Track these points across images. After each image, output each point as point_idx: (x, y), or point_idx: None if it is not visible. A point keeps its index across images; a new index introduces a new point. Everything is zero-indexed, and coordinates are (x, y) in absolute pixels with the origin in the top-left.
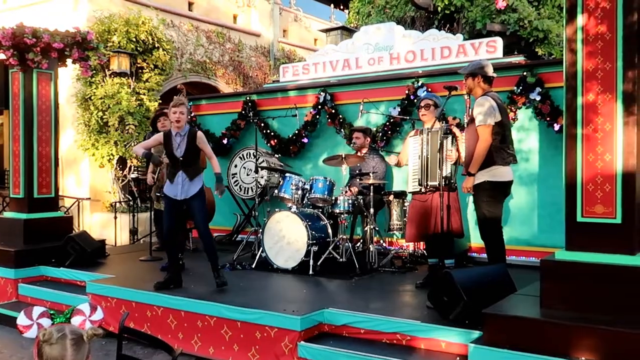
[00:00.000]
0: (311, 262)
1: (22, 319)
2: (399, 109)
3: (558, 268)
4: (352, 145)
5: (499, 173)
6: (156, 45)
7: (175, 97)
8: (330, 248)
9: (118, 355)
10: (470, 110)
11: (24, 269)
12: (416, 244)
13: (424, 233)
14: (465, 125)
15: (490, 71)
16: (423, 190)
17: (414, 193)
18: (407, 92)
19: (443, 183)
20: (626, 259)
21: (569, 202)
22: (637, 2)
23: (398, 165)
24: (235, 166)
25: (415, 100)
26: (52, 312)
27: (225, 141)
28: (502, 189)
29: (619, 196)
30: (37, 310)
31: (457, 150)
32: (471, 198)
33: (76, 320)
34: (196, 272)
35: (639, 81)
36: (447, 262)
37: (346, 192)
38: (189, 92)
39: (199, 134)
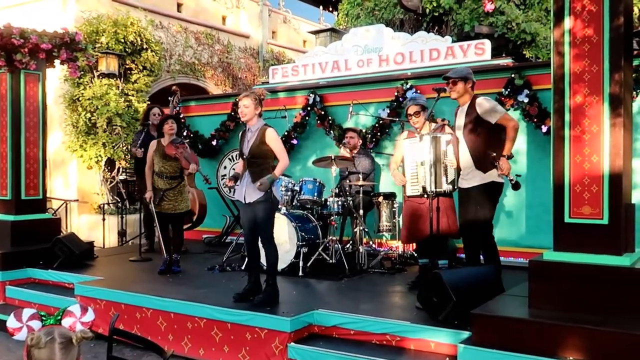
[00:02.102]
0: (301, 263)
1: (11, 322)
2: (388, 111)
3: (546, 268)
4: (343, 145)
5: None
6: (145, 47)
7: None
8: (319, 249)
9: (108, 358)
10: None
11: (12, 271)
12: (406, 245)
13: (419, 235)
14: (462, 129)
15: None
16: (425, 195)
17: (413, 196)
18: (396, 93)
19: (449, 189)
20: (613, 260)
21: (557, 203)
22: (623, 5)
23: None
24: (225, 167)
25: (403, 104)
26: (42, 313)
27: (214, 142)
28: (501, 190)
29: (605, 197)
30: (27, 312)
31: (456, 155)
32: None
33: (67, 322)
34: (186, 273)
35: (625, 83)
36: (441, 262)
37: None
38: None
39: (269, 131)
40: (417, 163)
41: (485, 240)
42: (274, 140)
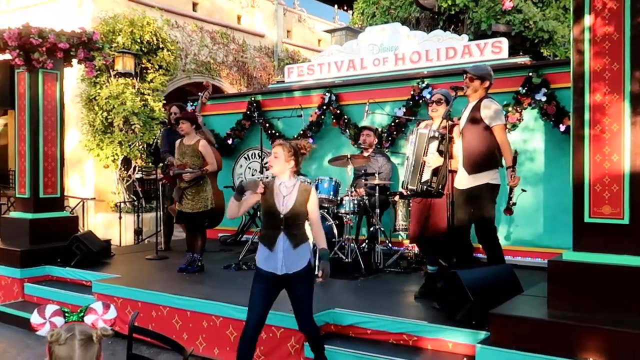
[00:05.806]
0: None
1: (35, 317)
2: (404, 110)
3: (565, 269)
4: (358, 144)
5: (497, 176)
6: (160, 46)
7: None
8: (335, 248)
9: (128, 355)
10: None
11: (30, 268)
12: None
13: (417, 235)
14: (462, 127)
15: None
16: (405, 192)
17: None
18: (412, 92)
19: (421, 189)
20: (634, 260)
21: (577, 202)
22: None
23: None
24: (241, 166)
25: (421, 101)
26: (65, 310)
27: (230, 141)
28: (497, 192)
29: (626, 197)
30: (50, 308)
31: (449, 155)
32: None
33: (89, 319)
34: (203, 272)
35: None
36: (430, 268)
37: (352, 192)
38: (192, 92)
39: (313, 192)
40: (406, 158)
41: (489, 239)
42: (316, 204)
